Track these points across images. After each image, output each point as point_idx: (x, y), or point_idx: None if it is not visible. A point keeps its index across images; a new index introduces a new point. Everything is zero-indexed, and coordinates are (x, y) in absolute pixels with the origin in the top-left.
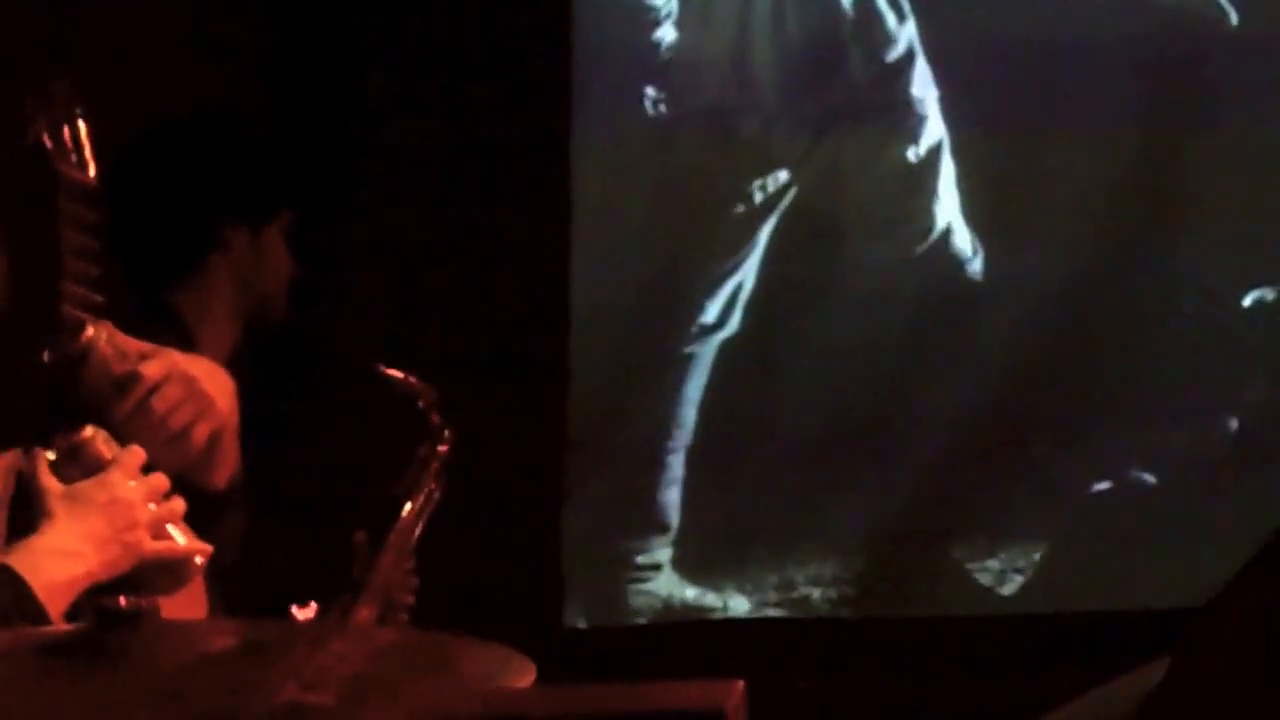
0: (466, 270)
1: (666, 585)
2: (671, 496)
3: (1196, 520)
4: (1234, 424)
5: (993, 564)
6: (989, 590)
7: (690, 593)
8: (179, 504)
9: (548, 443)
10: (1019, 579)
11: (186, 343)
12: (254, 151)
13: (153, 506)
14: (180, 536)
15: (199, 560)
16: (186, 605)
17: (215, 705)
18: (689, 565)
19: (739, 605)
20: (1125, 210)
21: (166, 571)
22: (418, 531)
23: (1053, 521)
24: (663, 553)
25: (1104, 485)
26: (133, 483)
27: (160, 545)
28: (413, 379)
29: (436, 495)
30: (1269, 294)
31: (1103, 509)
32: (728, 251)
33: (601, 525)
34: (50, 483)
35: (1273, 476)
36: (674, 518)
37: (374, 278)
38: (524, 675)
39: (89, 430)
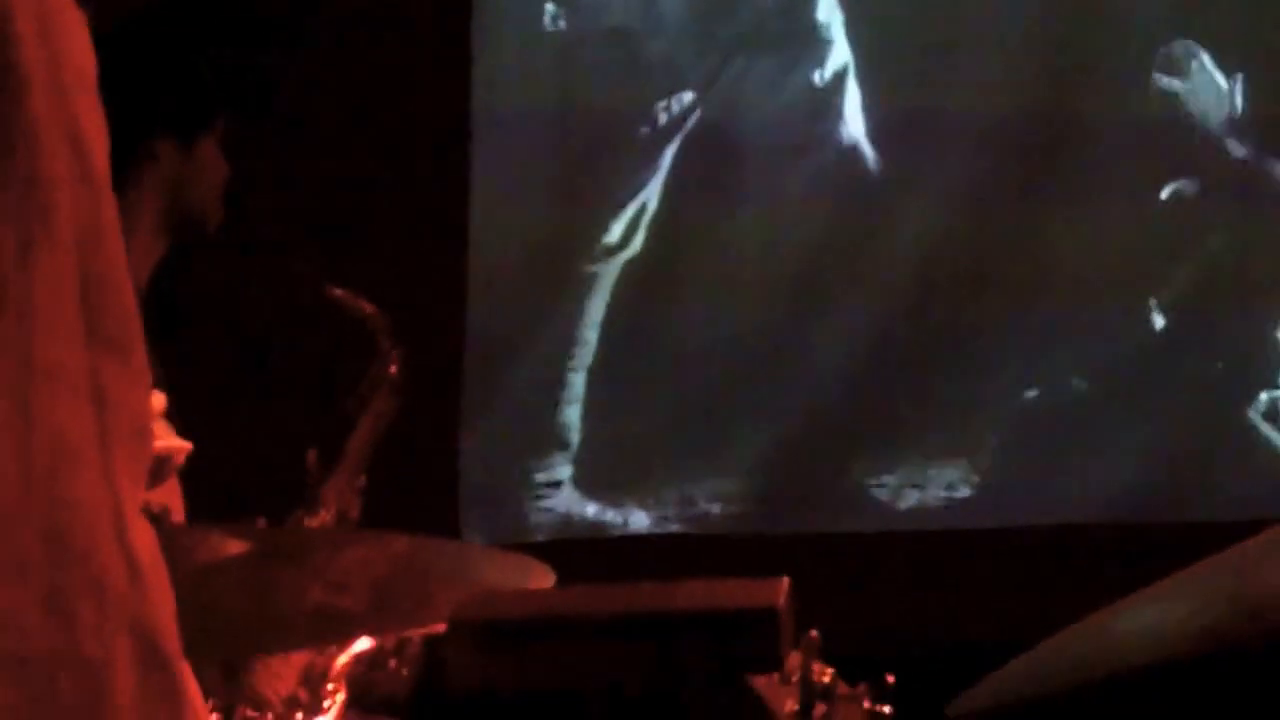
0: (363, 186)
1: (566, 502)
2: (572, 415)
3: (1113, 430)
4: (1158, 322)
5: (890, 480)
6: (888, 505)
7: (590, 509)
8: (159, 400)
9: (446, 360)
10: (916, 494)
11: None
12: (180, 62)
13: None
14: (158, 435)
15: (178, 458)
16: (164, 500)
17: (243, 607)
18: (589, 482)
19: (639, 521)
20: (1030, 127)
21: None
22: (369, 449)
23: (957, 437)
24: (563, 470)
25: (1014, 400)
26: None
27: None
28: (362, 300)
29: (388, 413)
30: (1187, 188)
31: (1011, 422)
32: (631, 172)
33: (501, 443)
34: None
35: (1194, 373)
36: (574, 436)
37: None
38: (544, 580)
39: None
